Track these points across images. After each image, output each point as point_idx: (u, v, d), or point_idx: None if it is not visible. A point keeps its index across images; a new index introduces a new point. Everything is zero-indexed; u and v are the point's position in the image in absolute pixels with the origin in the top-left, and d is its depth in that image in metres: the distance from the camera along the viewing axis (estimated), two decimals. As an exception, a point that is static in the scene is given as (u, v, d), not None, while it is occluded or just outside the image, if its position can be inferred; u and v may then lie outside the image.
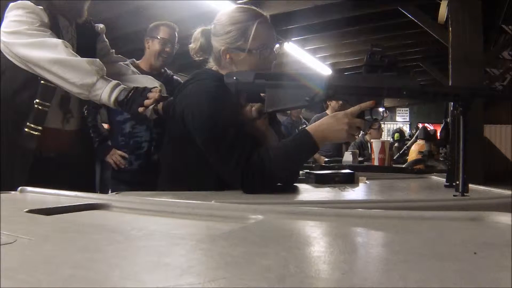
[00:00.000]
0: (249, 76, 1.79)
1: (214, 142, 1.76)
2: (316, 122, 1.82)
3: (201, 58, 2.07)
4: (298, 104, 1.80)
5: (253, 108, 1.85)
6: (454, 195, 1.54)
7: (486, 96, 1.78)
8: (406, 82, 1.70)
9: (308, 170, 2.21)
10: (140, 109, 2.06)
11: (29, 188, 1.41)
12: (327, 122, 1.77)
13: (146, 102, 2.05)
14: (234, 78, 1.79)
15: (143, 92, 2.08)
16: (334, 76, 1.78)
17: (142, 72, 3.14)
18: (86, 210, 1.09)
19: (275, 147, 1.78)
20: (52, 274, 0.54)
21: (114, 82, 2.09)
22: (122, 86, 2.10)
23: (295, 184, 1.92)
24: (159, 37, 3.48)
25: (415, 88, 1.71)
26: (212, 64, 2.05)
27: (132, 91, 2.09)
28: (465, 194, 1.54)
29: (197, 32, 2.04)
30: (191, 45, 2.05)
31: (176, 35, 3.54)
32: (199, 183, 1.82)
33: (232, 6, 2.03)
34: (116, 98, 2.07)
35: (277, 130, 2.09)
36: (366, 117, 1.77)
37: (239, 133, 1.75)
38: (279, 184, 1.80)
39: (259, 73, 1.80)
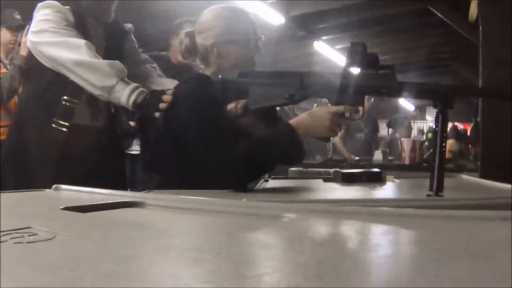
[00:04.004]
0: (233, 74, 1.84)
1: (197, 141, 1.82)
2: (299, 116, 1.84)
3: (189, 59, 2.16)
4: (280, 101, 1.82)
5: (239, 106, 1.87)
6: (428, 195, 1.49)
7: (469, 94, 1.75)
8: (386, 79, 1.68)
9: (337, 169, 2.21)
10: (157, 114, 2.06)
11: (63, 186, 1.43)
12: (309, 117, 1.78)
13: (161, 105, 2.04)
14: (219, 76, 1.87)
15: (159, 95, 2.09)
16: (313, 74, 1.77)
17: (173, 66, 3.20)
18: (120, 207, 1.10)
19: (257, 141, 1.82)
20: (93, 269, 0.55)
21: (133, 85, 2.11)
22: (140, 89, 2.11)
23: (324, 182, 1.93)
24: None
25: (394, 86, 1.68)
26: (199, 65, 2.13)
27: (149, 94, 2.10)
28: (439, 194, 1.49)
29: (181, 34, 2.13)
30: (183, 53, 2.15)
31: None
32: (199, 183, 1.83)
33: (216, 5, 2.11)
34: (135, 101, 2.08)
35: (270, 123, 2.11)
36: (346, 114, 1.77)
37: (218, 130, 1.80)
38: (258, 175, 1.90)
39: (243, 71, 1.85)
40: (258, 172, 1.88)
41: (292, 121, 1.80)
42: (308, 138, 1.89)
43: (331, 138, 1.90)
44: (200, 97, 1.89)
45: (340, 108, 1.73)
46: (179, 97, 1.98)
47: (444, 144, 1.55)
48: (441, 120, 1.55)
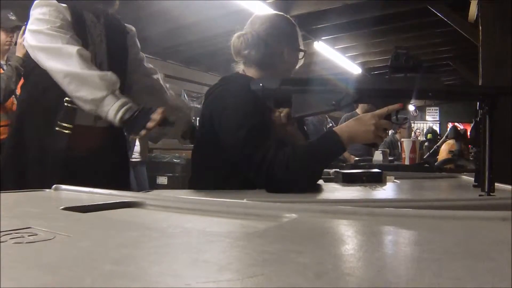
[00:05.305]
0: (275, 82, 1.79)
1: (240, 143, 1.77)
2: (344, 123, 1.82)
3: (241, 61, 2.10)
4: (325, 108, 1.81)
5: (282, 114, 1.86)
6: (480, 195, 1.52)
7: None
8: (432, 83, 1.68)
9: (337, 169, 2.21)
10: (142, 132, 2.02)
11: (63, 186, 1.42)
12: (354, 123, 1.77)
13: (148, 124, 2.00)
14: (260, 84, 1.80)
15: (148, 113, 2.03)
16: (360, 79, 1.78)
17: None
18: (121, 208, 1.10)
19: (301, 146, 1.80)
20: (93, 269, 0.55)
21: (122, 100, 2.04)
22: (129, 105, 2.04)
23: (321, 183, 1.92)
24: None
25: (440, 89, 1.69)
26: (240, 67, 2.08)
27: (137, 112, 2.03)
28: (491, 194, 1.51)
29: (247, 33, 2.03)
30: (247, 52, 2.03)
31: None
32: (224, 184, 1.82)
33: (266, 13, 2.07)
34: (121, 118, 2.02)
35: (303, 131, 2.10)
36: (392, 118, 1.76)
37: (264, 135, 1.76)
38: (304, 183, 1.79)
39: (285, 79, 1.81)
40: (301, 177, 1.74)
41: (336, 128, 1.80)
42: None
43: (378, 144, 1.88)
44: (247, 99, 1.83)
45: (384, 110, 1.73)
46: (222, 98, 1.91)
47: (492, 146, 1.55)
48: (489, 121, 1.55)
